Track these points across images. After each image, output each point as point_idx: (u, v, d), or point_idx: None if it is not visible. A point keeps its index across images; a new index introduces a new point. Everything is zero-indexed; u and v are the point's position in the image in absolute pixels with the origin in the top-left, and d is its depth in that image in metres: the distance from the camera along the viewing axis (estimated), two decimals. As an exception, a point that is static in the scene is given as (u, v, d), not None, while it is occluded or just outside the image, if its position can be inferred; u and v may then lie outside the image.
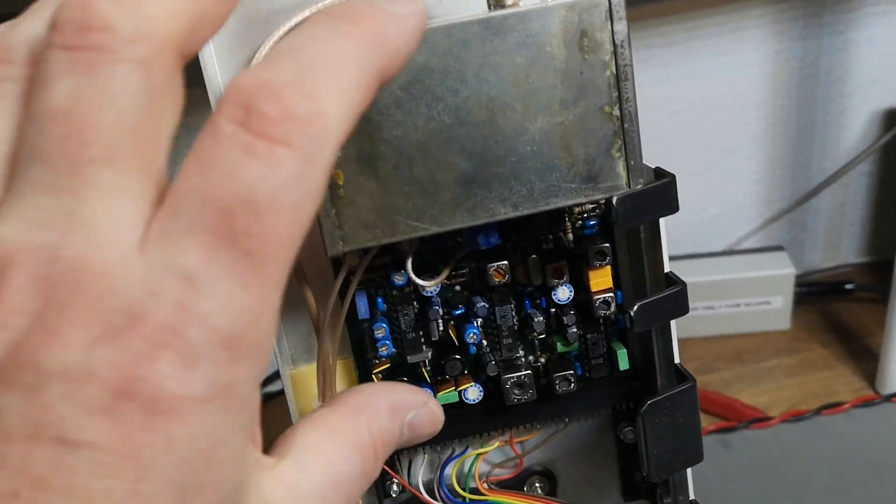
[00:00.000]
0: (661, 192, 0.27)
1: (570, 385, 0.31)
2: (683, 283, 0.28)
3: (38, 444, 0.14)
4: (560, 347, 0.31)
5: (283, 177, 0.15)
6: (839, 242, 0.84)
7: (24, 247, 0.14)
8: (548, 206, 0.26)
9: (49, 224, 0.14)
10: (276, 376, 0.76)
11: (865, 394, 0.72)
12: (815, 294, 0.80)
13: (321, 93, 0.16)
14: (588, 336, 0.31)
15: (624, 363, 0.32)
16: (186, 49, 0.16)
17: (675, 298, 0.28)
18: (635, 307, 0.27)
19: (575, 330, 0.31)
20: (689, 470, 0.31)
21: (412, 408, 0.22)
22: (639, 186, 0.26)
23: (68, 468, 0.14)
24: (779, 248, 0.79)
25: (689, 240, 0.81)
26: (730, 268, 0.78)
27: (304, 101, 0.15)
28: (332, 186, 0.25)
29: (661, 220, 0.29)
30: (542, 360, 0.32)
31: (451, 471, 0.33)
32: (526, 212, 0.26)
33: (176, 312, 0.14)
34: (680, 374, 0.30)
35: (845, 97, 0.78)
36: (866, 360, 0.74)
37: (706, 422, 0.70)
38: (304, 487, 0.18)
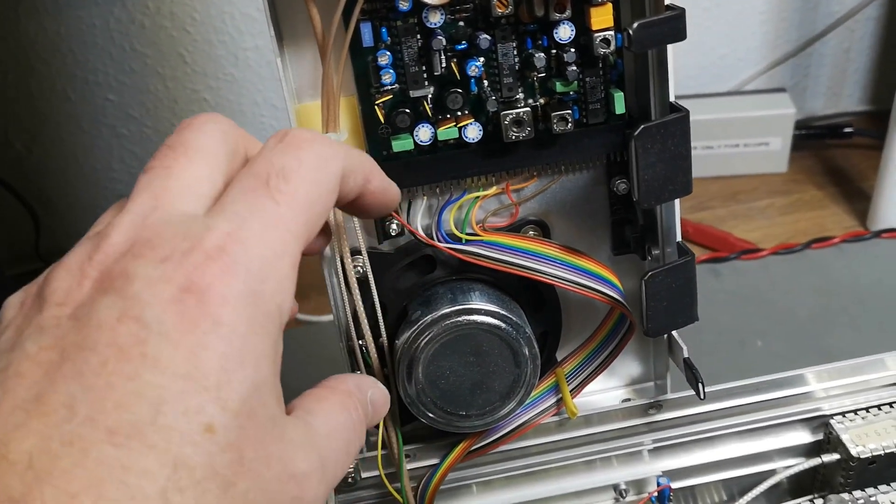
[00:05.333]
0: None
1: (566, 125, 0.32)
2: (682, 8, 0.28)
3: (123, 323, 0.19)
4: (559, 87, 0.32)
5: (305, 165, 0.22)
6: (841, 90, 0.84)
7: (125, 219, 0.21)
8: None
9: (144, 202, 0.21)
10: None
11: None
12: (813, 137, 0.80)
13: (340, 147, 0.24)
14: (587, 80, 0.32)
15: (620, 107, 0.32)
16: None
17: (674, 22, 0.28)
18: (634, 25, 0.27)
19: (574, 69, 0.31)
20: (677, 213, 0.33)
21: (369, 387, 0.26)
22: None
23: (143, 340, 0.19)
24: (781, 90, 0.79)
25: (695, 81, 0.80)
26: (731, 107, 0.78)
27: (327, 139, 0.24)
28: None
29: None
30: (542, 101, 0.32)
31: (448, 215, 0.34)
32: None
33: (224, 238, 0.20)
34: (674, 108, 0.30)
35: (859, -63, 0.76)
36: (859, 201, 0.75)
37: (698, 252, 0.72)
38: (315, 428, 0.23)
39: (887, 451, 0.37)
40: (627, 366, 0.39)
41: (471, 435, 0.36)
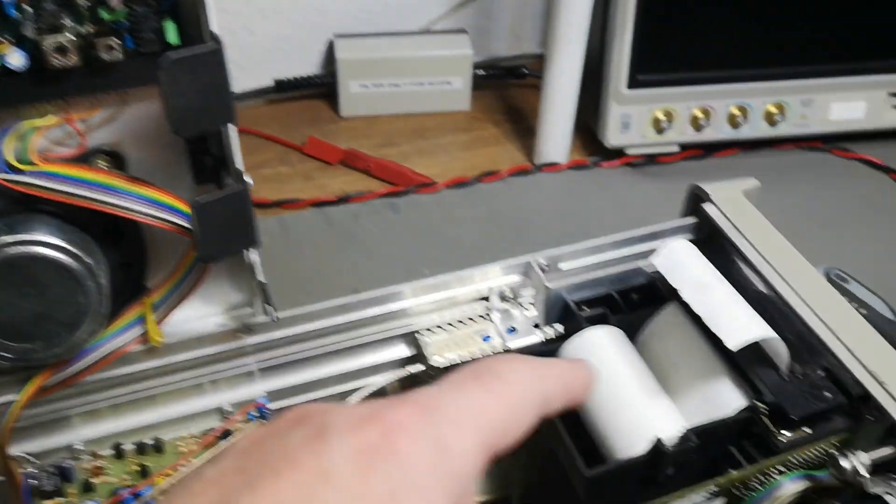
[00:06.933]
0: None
1: (114, 52, 0.32)
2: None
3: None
4: (105, 15, 0.32)
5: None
6: (521, 33, 0.89)
7: None
8: None
9: None
10: None
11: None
12: (492, 77, 0.85)
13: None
14: (137, 9, 0.32)
15: (173, 37, 0.33)
16: None
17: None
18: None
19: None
20: (235, 143, 0.34)
21: None
22: None
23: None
24: (462, 31, 0.83)
25: (382, 18, 0.82)
26: (415, 46, 0.81)
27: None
28: None
29: None
30: (90, 29, 0.32)
31: (5, 145, 0.33)
32: None
33: None
34: (214, 39, 0.31)
35: None
36: (529, 138, 0.81)
37: (379, 187, 0.75)
38: None
39: (463, 360, 0.41)
40: (225, 292, 0.40)
41: (48, 367, 0.35)
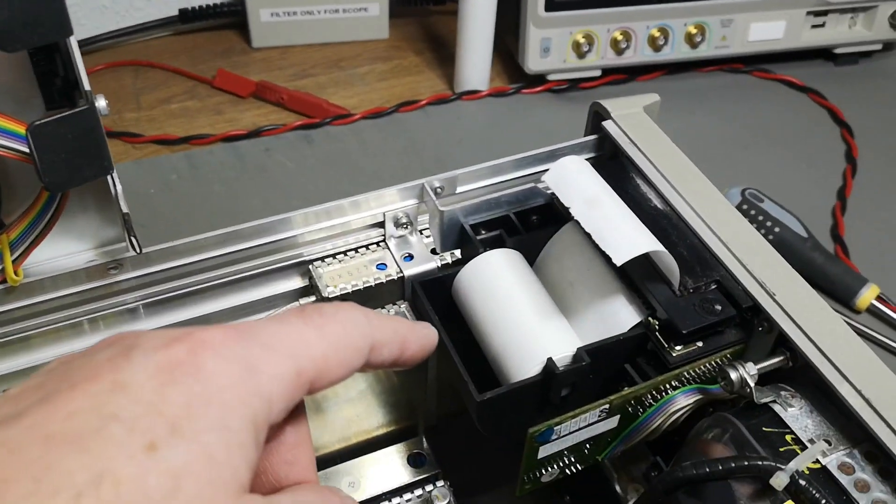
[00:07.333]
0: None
1: (-65, -39, 0.29)
2: None
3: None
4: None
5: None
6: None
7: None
8: None
9: None
10: None
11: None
12: (411, 3, 0.82)
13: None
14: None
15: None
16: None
17: None
18: None
19: None
20: (78, 59, 0.31)
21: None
22: None
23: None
24: (377, -45, 0.79)
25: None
26: (326, -28, 0.78)
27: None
28: None
29: None
30: None
31: None
32: None
33: None
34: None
35: None
36: (451, 66, 0.78)
37: (293, 119, 0.72)
38: None
39: (355, 288, 0.40)
40: (95, 227, 0.38)
41: None
